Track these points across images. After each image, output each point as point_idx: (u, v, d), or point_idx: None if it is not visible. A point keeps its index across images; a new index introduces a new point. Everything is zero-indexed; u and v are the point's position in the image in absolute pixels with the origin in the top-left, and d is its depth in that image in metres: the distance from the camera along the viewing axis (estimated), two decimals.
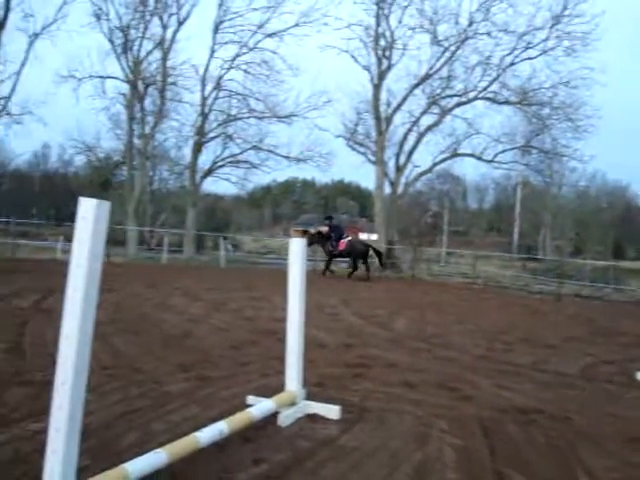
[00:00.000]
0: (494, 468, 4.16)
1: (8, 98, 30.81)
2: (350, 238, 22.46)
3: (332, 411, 5.05)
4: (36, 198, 68.45)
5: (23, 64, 30.79)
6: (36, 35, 30.85)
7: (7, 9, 29.85)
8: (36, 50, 31.12)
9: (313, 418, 5.00)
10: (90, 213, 2.49)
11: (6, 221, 33.15)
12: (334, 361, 7.31)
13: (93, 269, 2.58)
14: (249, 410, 4.52)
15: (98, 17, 31.76)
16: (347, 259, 23.22)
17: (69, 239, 31.01)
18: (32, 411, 4.87)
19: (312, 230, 25.75)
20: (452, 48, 30.50)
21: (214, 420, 4.37)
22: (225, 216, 68.29)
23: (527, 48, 29.75)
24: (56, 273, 15.43)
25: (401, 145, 32.32)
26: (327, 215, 26.52)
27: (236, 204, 70.54)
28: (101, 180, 44.49)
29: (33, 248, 30.61)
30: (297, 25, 31.96)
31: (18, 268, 16.96)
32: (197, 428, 4.12)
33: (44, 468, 2.84)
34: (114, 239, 28.04)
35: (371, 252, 22.35)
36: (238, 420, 4.31)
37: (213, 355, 7.21)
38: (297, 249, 4.92)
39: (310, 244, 25.29)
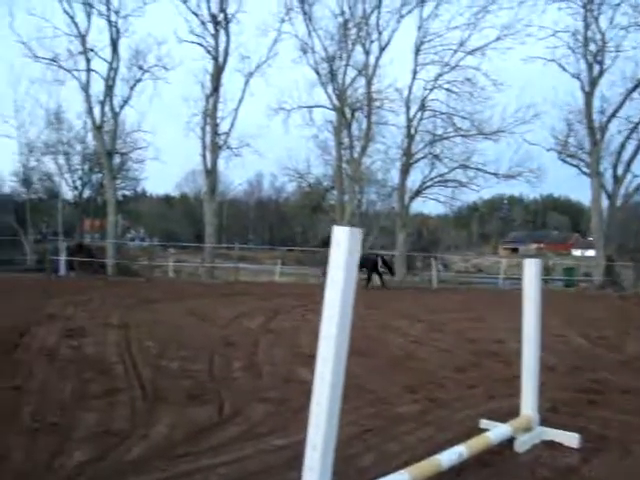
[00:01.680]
0: None
1: (228, 133, 33.21)
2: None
3: (571, 439, 4.79)
4: (252, 224, 72.90)
5: (240, 101, 33.13)
6: (251, 74, 33.16)
7: (226, 54, 32.42)
8: (251, 87, 33.39)
9: (551, 445, 4.78)
10: (344, 240, 2.56)
11: (228, 246, 35.54)
12: (564, 385, 6.97)
13: (347, 293, 2.65)
14: (486, 434, 4.42)
15: (304, 51, 33.50)
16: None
17: (284, 262, 32.58)
18: (274, 427, 5.13)
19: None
20: None
21: (450, 443, 4.33)
22: (432, 236, 68.01)
23: None
24: (277, 295, 16.34)
25: (619, 154, 30.41)
26: None
27: (442, 223, 70.00)
28: (312, 205, 46.10)
29: (252, 271, 32.50)
30: (499, 39, 31.29)
31: (242, 291, 18.01)
32: (433, 450, 4.10)
33: None
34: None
35: (380, 262, 22.83)
36: (476, 444, 4.23)
37: (438, 377, 7.17)
38: (532, 270, 4.75)
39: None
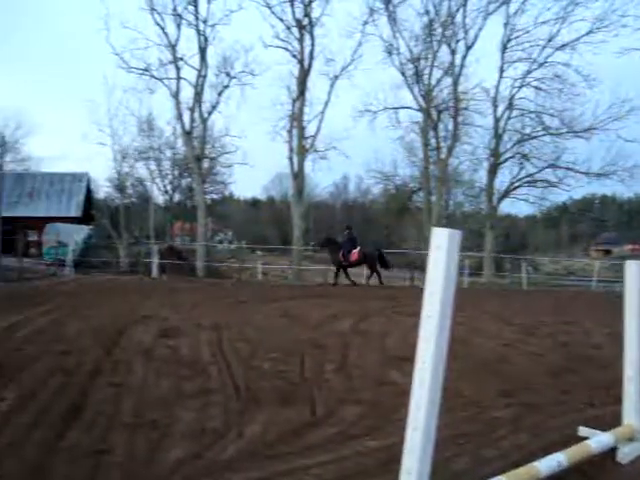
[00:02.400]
0: None
1: (314, 136, 33.49)
2: (360, 248, 21.98)
3: None
4: (338, 226, 73.13)
5: (326, 104, 33.36)
6: (336, 77, 33.38)
7: (311, 57, 32.76)
8: (336, 90, 33.57)
9: None
10: (444, 242, 2.54)
11: (315, 249, 35.73)
12: None
13: (447, 296, 2.64)
14: (586, 443, 4.29)
15: (390, 52, 33.46)
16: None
17: None
18: (367, 428, 5.14)
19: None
20: None
21: (546, 450, 4.22)
22: (520, 237, 66.55)
23: None
24: (365, 297, 16.32)
25: None
26: (347, 225, 25.10)
27: (531, 224, 68.39)
28: (398, 207, 45.93)
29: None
30: (590, 32, 30.42)
31: (330, 293, 18.08)
32: (528, 457, 4.01)
33: None
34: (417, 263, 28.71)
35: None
36: (575, 453, 4.10)
37: (532, 382, 7.00)
38: (634, 272, 4.57)
39: (320, 246, 24.65)
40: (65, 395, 5.91)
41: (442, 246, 2.58)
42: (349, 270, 22.40)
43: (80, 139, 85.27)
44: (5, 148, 42.88)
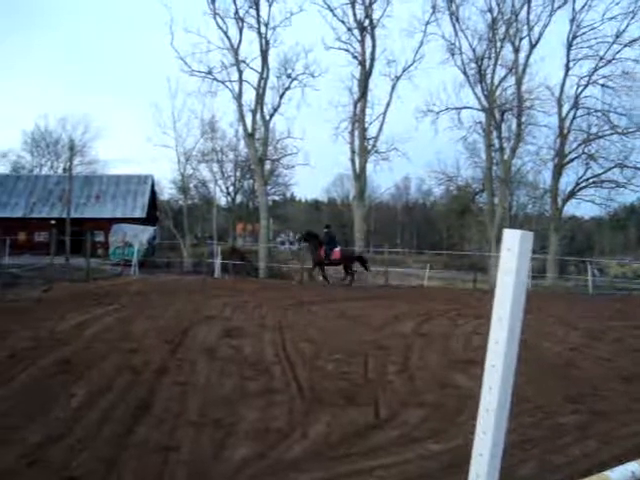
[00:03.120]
0: None
1: (376, 137, 33.44)
2: (339, 247, 21.46)
3: None
4: (399, 228, 72.83)
5: (387, 105, 33.28)
6: (397, 78, 33.26)
7: (373, 59, 32.71)
8: (398, 91, 33.46)
9: None
10: (515, 244, 2.50)
11: (376, 250, 35.73)
12: None
13: (518, 299, 2.60)
14: None
15: (452, 52, 33.11)
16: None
17: (432, 267, 32.31)
18: (431, 431, 5.11)
19: None
20: None
21: (617, 459, 4.11)
22: (586, 239, 65.03)
23: None
24: (427, 299, 16.21)
25: None
26: (327, 224, 23.82)
27: (597, 226, 66.69)
28: (460, 208, 45.44)
29: (400, 275, 32.46)
30: None
31: (392, 294, 18.01)
32: (598, 465, 3.92)
33: None
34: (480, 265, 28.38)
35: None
36: None
37: (601, 388, 6.83)
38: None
39: (300, 241, 24.05)
40: (133, 392, 6.05)
41: (513, 248, 2.54)
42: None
43: (145, 142, 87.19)
44: (74, 152, 43.99)
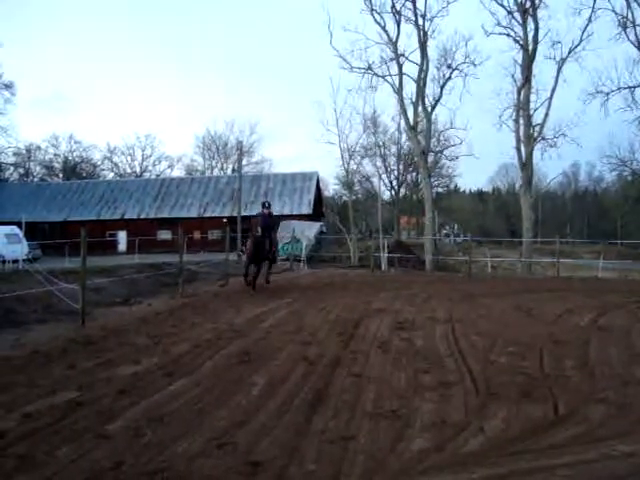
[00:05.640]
0: None
1: (542, 124, 32.18)
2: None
3: None
4: (568, 217, 69.64)
5: (553, 90, 31.89)
6: (563, 60, 31.69)
7: (536, 42, 31.47)
8: (564, 74, 31.93)
9: None
10: None
11: (544, 241, 34.44)
12: None
13: None
14: None
15: (624, 26, 30.99)
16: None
17: (605, 257, 30.67)
18: (616, 431, 4.85)
19: None
20: None
21: None
22: None
23: None
24: (602, 291, 15.40)
25: None
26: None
27: None
28: (636, 194, 42.73)
29: (571, 266, 31.10)
30: None
31: (564, 286, 17.31)
32: None
33: None
34: None
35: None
36: None
37: None
38: None
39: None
40: (310, 383, 6.25)
41: None
42: None
43: (309, 140, 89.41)
44: (242, 152, 45.97)
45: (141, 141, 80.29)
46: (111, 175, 74.99)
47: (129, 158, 79.92)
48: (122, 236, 50.05)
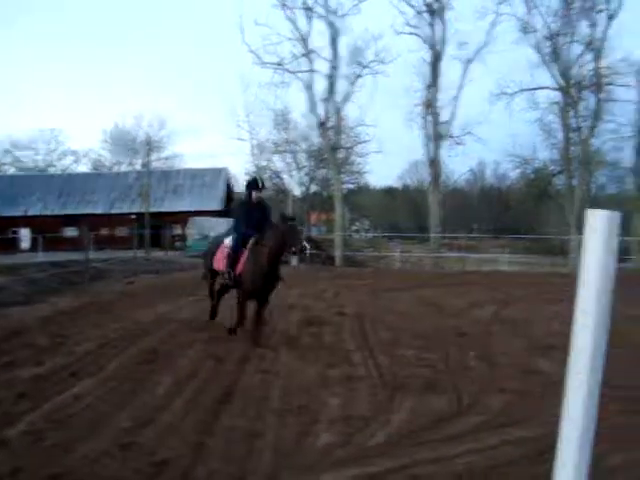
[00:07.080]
0: None
1: (449, 122, 32.94)
2: None
3: None
4: (475, 213, 71.67)
5: (460, 89, 32.71)
6: (469, 60, 32.52)
7: (443, 42, 32.26)
8: (470, 74, 32.83)
9: None
10: (600, 225, 2.43)
11: (452, 236, 35.32)
12: None
13: (604, 284, 2.52)
14: None
15: (525, 31, 32.16)
16: None
17: (510, 251, 31.75)
18: (515, 418, 5.05)
19: None
20: None
21: None
22: None
23: None
24: (505, 284, 15.95)
25: None
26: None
27: None
28: (537, 192, 44.30)
29: (477, 260, 32.07)
30: None
31: (469, 280, 17.81)
32: None
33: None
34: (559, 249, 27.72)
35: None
36: None
37: None
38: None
39: None
40: (217, 380, 6.19)
41: (598, 229, 2.47)
42: None
43: (222, 136, 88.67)
44: (150, 148, 45.14)
45: (45, 135, 77.38)
46: (12, 170, 72.02)
47: (32, 152, 76.91)
48: (25, 233, 48.07)
